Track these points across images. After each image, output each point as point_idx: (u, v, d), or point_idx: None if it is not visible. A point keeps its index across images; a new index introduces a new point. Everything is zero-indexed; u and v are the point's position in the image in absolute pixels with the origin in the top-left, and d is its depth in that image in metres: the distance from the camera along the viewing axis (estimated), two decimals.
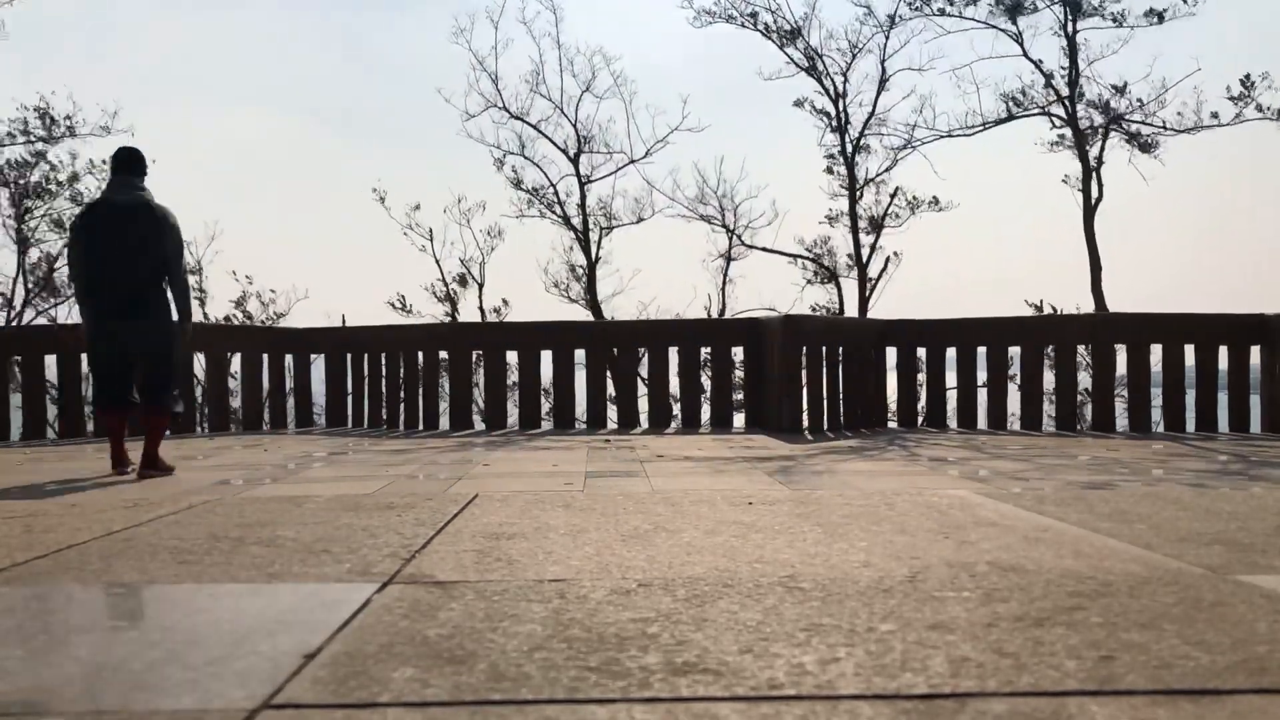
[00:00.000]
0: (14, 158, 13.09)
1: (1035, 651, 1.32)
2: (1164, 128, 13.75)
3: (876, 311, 14.22)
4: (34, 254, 13.86)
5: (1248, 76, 13.07)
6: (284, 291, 14.30)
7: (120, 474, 5.10)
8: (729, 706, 1.12)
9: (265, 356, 9.30)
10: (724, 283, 14.85)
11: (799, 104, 14.61)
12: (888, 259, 14.60)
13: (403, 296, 14.92)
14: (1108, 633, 1.41)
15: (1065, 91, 13.83)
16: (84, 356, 6.77)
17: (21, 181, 13.47)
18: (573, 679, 1.22)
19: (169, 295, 5.27)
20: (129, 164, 5.42)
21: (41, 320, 13.67)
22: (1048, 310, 12.78)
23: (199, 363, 9.52)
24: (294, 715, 1.12)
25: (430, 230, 15.13)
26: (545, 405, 9.67)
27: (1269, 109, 13.06)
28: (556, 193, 14.88)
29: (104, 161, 13.82)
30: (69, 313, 13.90)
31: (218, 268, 19.42)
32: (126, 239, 5.19)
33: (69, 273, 5.79)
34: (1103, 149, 13.89)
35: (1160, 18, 13.39)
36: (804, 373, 8.07)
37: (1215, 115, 13.38)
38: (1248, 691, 1.16)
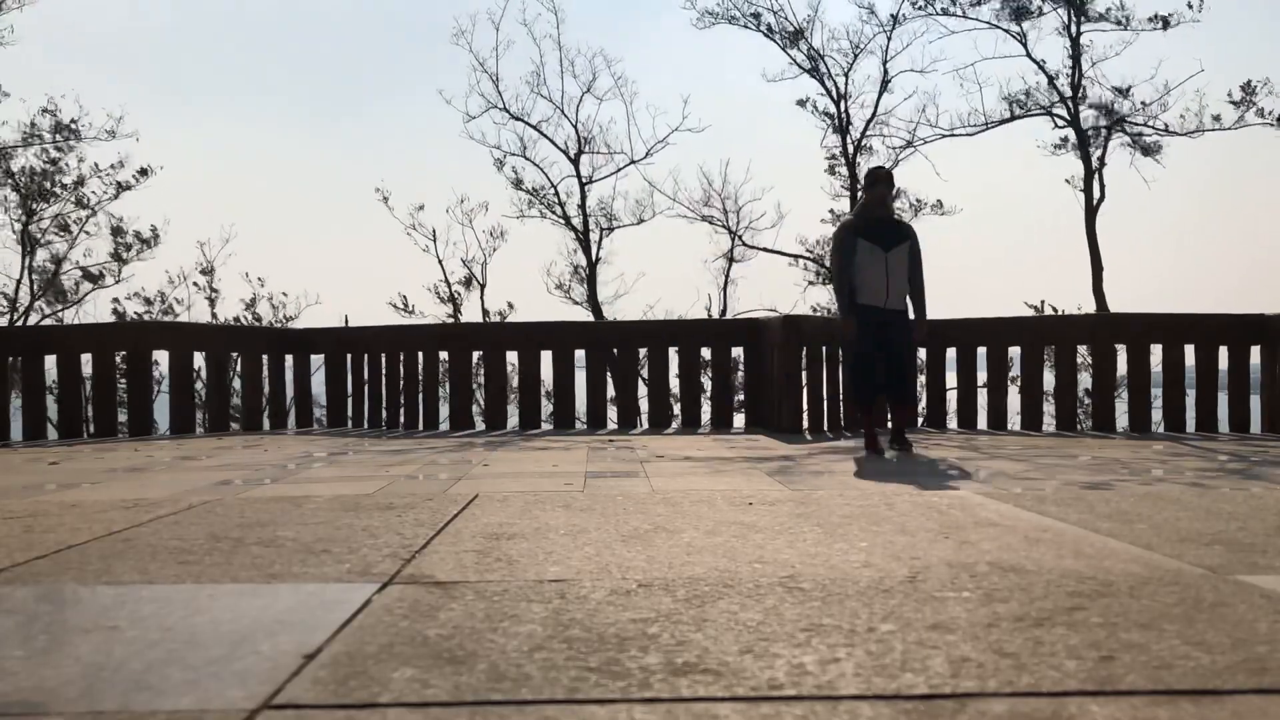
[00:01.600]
0: (26, 165, 13.12)
1: (1035, 652, 1.32)
2: (1166, 130, 13.76)
3: None
4: (41, 255, 13.87)
5: (1249, 82, 13.09)
6: (295, 295, 14.34)
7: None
8: (729, 707, 1.12)
9: (266, 357, 9.30)
10: (725, 283, 14.86)
11: (801, 104, 14.62)
12: None
13: (404, 297, 14.94)
14: (1108, 633, 1.41)
15: (1068, 93, 13.84)
16: None
17: (29, 185, 13.48)
18: (573, 679, 1.22)
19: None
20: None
21: (50, 321, 13.68)
22: (1048, 311, 12.79)
23: (199, 362, 9.52)
24: (294, 715, 1.12)
25: (434, 230, 15.15)
26: (545, 405, 9.67)
27: (1270, 114, 13.08)
28: (557, 193, 14.89)
29: (112, 167, 13.75)
30: (75, 315, 13.89)
31: (230, 269, 19.45)
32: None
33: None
34: (1105, 150, 13.89)
35: (1165, 23, 13.40)
36: (804, 373, 8.07)
37: (1217, 118, 13.39)
38: (1248, 692, 1.16)
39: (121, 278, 14.03)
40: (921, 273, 5.96)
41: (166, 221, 15.96)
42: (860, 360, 5.82)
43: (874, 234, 5.79)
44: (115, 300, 13.93)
